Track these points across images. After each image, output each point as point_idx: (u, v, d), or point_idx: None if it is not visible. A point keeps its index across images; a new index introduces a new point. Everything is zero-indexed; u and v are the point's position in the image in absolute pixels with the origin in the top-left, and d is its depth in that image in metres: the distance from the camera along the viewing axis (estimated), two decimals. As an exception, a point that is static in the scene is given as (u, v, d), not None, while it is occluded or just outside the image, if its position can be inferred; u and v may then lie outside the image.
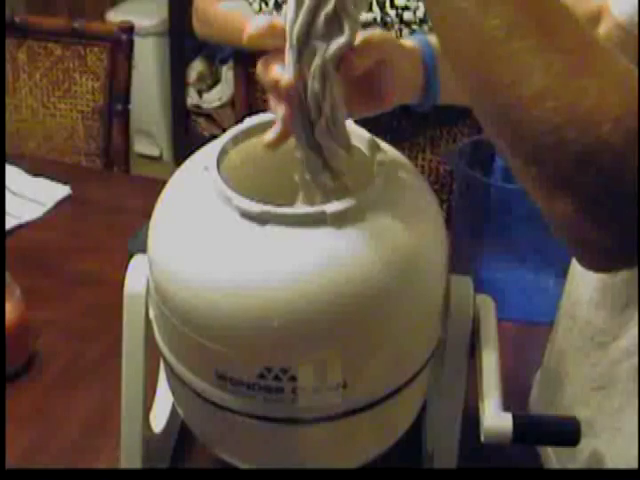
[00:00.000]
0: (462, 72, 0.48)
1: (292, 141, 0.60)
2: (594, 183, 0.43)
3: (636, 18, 0.64)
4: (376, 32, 0.61)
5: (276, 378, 0.56)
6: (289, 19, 0.54)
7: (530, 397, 0.82)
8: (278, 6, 1.33)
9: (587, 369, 0.69)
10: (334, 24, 0.53)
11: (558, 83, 0.43)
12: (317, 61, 0.54)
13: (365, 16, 1.29)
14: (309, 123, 0.57)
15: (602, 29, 0.66)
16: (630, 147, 0.42)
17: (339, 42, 0.53)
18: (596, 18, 0.66)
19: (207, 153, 0.62)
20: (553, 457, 0.76)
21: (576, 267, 0.73)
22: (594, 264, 0.50)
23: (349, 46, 0.54)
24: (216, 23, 1.42)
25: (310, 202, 0.61)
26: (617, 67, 0.44)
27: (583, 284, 0.70)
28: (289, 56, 0.55)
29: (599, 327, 0.67)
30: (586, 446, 0.68)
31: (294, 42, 0.54)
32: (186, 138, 2.72)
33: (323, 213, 0.55)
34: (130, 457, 0.70)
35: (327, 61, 0.54)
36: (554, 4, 0.45)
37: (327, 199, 0.60)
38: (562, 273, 0.76)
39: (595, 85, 0.43)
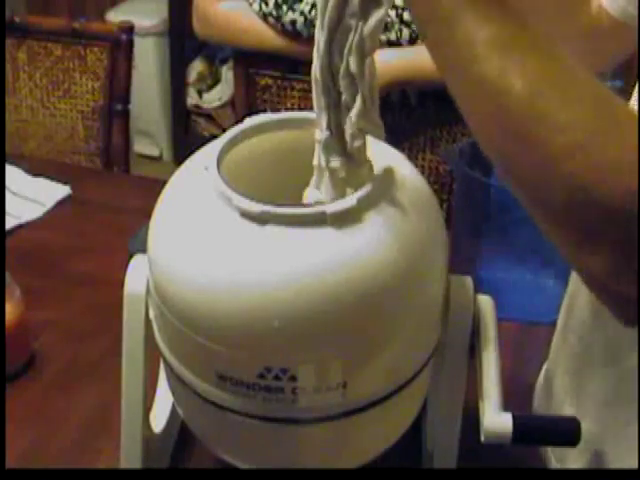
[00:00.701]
0: (486, 138, 0.47)
1: (292, 141, 0.60)
2: (626, 238, 0.42)
3: (630, 9, 0.64)
4: None
5: (276, 378, 0.56)
6: (320, 1, 0.53)
7: (533, 407, 0.82)
8: (278, 6, 1.34)
9: (596, 383, 0.68)
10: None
11: (586, 137, 0.42)
12: (354, 38, 0.52)
13: None
14: (334, 105, 0.56)
15: (592, 11, 0.66)
16: None
17: (377, 15, 0.51)
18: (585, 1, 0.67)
19: (207, 153, 0.62)
20: (554, 463, 0.76)
21: (579, 283, 0.72)
22: (632, 319, 0.49)
23: (385, 19, 0.53)
24: (216, 23, 1.42)
25: (319, 187, 0.61)
26: (631, 114, 0.43)
27: (589, 299, 0.69)
28: (319, 38, 0.54)
29: (610, 342, 0.66)
30: (593, 461, 0.68)
31: (326, 22, 0.53)
32: (186, 138, 2.72)
33: (323, 213, 0.55)
34: (130, 457, 0.70)
35: (365, 36, 0.52)
36: (564, 58, 0.45)
37: (338, 187, 0.59)
38: (562, 273, 0.76)
39: (619, 135, 0.42)
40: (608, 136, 0.42)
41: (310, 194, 0.61)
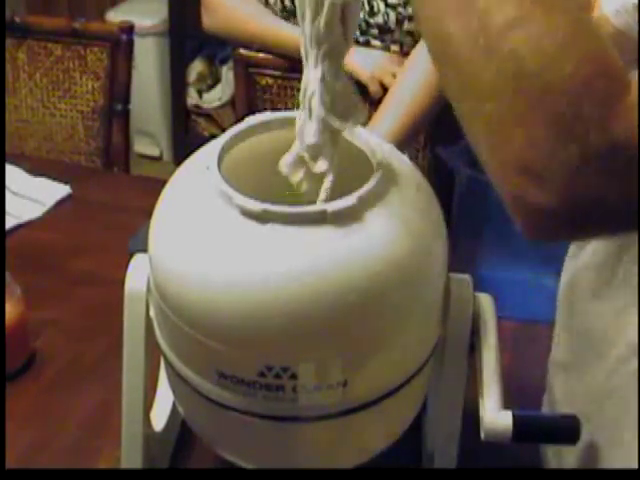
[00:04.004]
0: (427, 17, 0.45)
1: (292, 140, 0.60)
2: (546, 126, 0.41)
3: (630, 22, 0.64)
4: None
5: (277, 376, 0.56)
6: None
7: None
8: None
9: (587, 382, 0.68)
10: None
11: (529, 15, 0.41)
12: None
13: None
14: None
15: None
16: (585, 96, 0.40)
17: None
18: (588, 6, 0.66)
19: (207, 152, 0.62)
20: (553, 461, 0.76)
21: (570, 277, 0.72)
22: (536, 229, 0.47)
23: None
24: (220, 12, 1.43)
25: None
26: (586, 14, 0.43)
27: (579, 296, 0.69)
28: None
29: (597, 336, 0.66)
30: (588, 463, 0.68)
31: None
32: (186, 138, 2.72)
33: (324, 212, 0.55)
34: (130, 456, 0.70)
35: None
36: None
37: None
38: (561, 272, 0.76)
39: (566, 23, 0.41)
40: (554, 20, 0.41)
41: None
